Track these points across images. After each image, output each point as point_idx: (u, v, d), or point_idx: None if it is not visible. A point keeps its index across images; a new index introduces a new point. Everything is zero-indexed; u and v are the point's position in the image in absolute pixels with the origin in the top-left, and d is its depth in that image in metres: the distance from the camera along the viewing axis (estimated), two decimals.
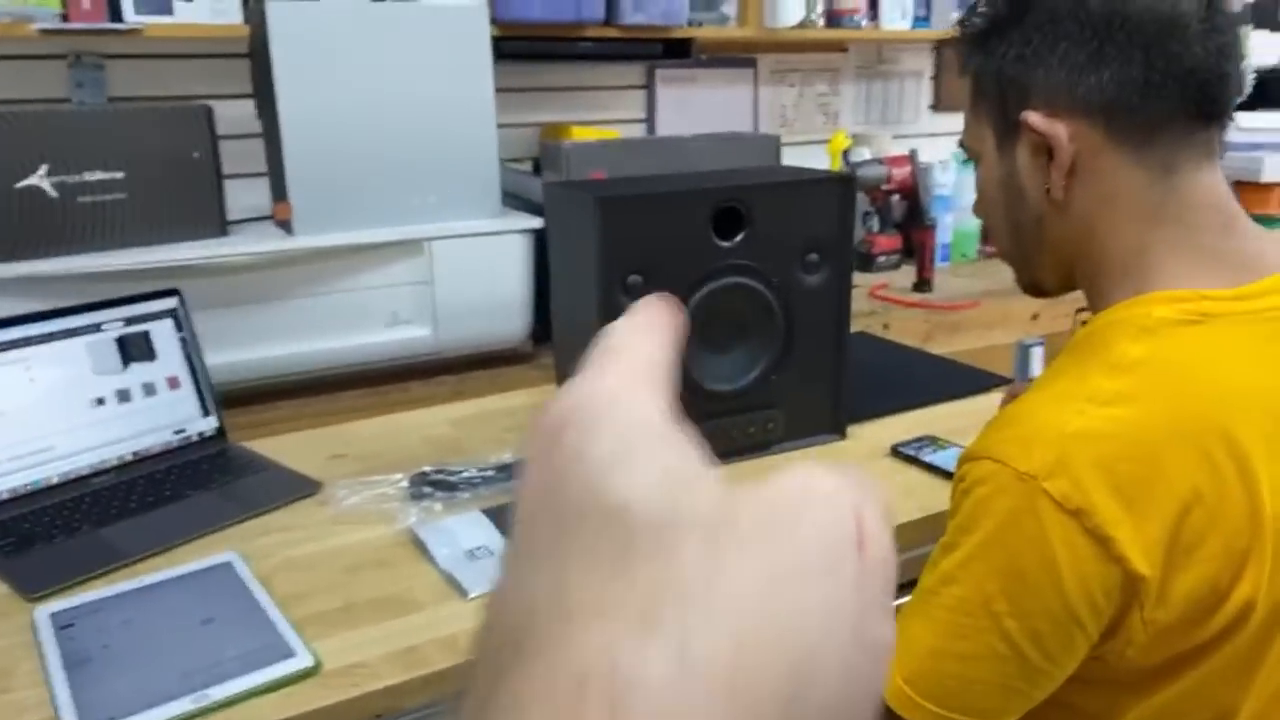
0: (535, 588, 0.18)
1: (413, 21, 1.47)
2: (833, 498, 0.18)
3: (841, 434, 1.24)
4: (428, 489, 1.07)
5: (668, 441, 0.19)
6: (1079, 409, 0.65)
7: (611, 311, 1.06)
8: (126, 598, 0.88)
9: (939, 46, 2.60)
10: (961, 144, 0.83)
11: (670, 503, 0.18)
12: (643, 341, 0.23)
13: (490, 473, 1.11)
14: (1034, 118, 0.70)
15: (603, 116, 2.21)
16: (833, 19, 2.20)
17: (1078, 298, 0.79)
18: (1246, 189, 2.44)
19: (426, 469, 1.11)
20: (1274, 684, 0.69)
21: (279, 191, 1.45)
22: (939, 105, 2.67)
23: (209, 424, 1.23)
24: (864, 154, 2.40)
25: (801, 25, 2.12)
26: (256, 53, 1.49)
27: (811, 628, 0.17)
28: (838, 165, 2.39)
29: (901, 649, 0.69)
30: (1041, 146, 0.71)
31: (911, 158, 2.18)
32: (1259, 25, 3.10)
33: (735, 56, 2.33)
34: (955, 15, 2.37)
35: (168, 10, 1.56)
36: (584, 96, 2.17)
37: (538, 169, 1.90)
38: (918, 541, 1.05)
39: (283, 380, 1.50)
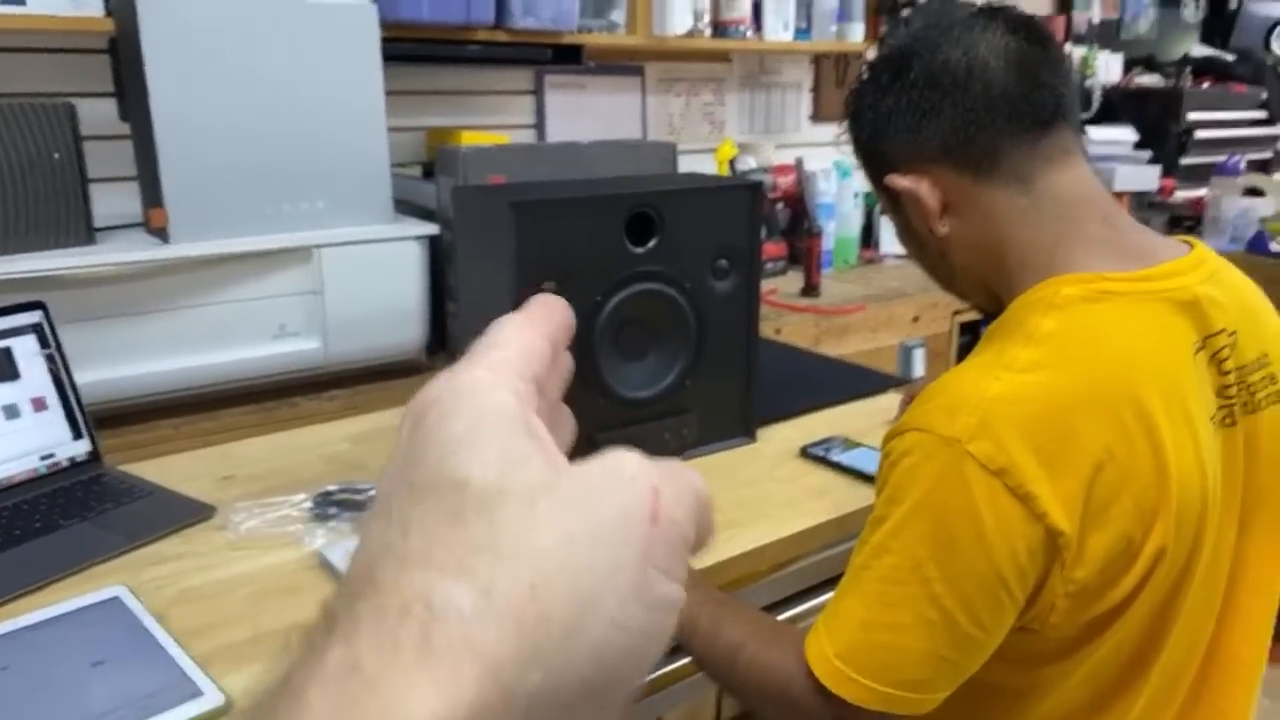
0: (386, 539, 0.21)
1: (296, 18, 1.40)
2: (636, 478, 0.22)
3: (751, 436, 1.25)
4: (333, 509, 1.01)
5: (512, 425, 0.23)
6: (996, 375, 0.69)
7: None
8: (1, 642, 0.80)
9: (818, 59, 2.68)
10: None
11: (500, 477, 0.21)
12: (517, 336, 0.26)
13: None
14: (896, 180, 0.81)
15: (491, 121, 2.17)
16: (719, 29, 2.23)
17: (953, 301, 0.84)
18: None
19: (330, 488, 1.05)
20: (1186, 640, 0.73)
21: (152, 197, 1.35)
22: (818, 115, 2.74)
23: (81, 447, 1.13)
24: (750, 163, 2.44)
25: (690, 34, 2.14)
26: (123, 48, 1.39)
27: (596, 579, 0.20)
28: (725, 173, 2.42)
29: (834, 626, 0.70)
30: (913, 198, 0.80)
31: (797, 167, 2.23)
32: (1103, 46, 3.33)
33: (624, 64, 2.33)
34: (834, 28, 2.45)
35: (18, 0, 1.44)
36: (471, 101, 2.13)
37: (427, 173, 1.85)
38: (834, 540, 1.07)
39: (160, 399, 1.40)
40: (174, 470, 1.14)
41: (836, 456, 1.17)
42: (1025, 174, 0.76)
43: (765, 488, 1.11)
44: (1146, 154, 3.03)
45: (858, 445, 1.20)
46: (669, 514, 0.22)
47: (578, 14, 1.94)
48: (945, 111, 0.76)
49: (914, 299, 2.28)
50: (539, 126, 2.26)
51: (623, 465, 0.22)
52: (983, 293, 0.84)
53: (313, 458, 1.20)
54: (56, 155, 1.29)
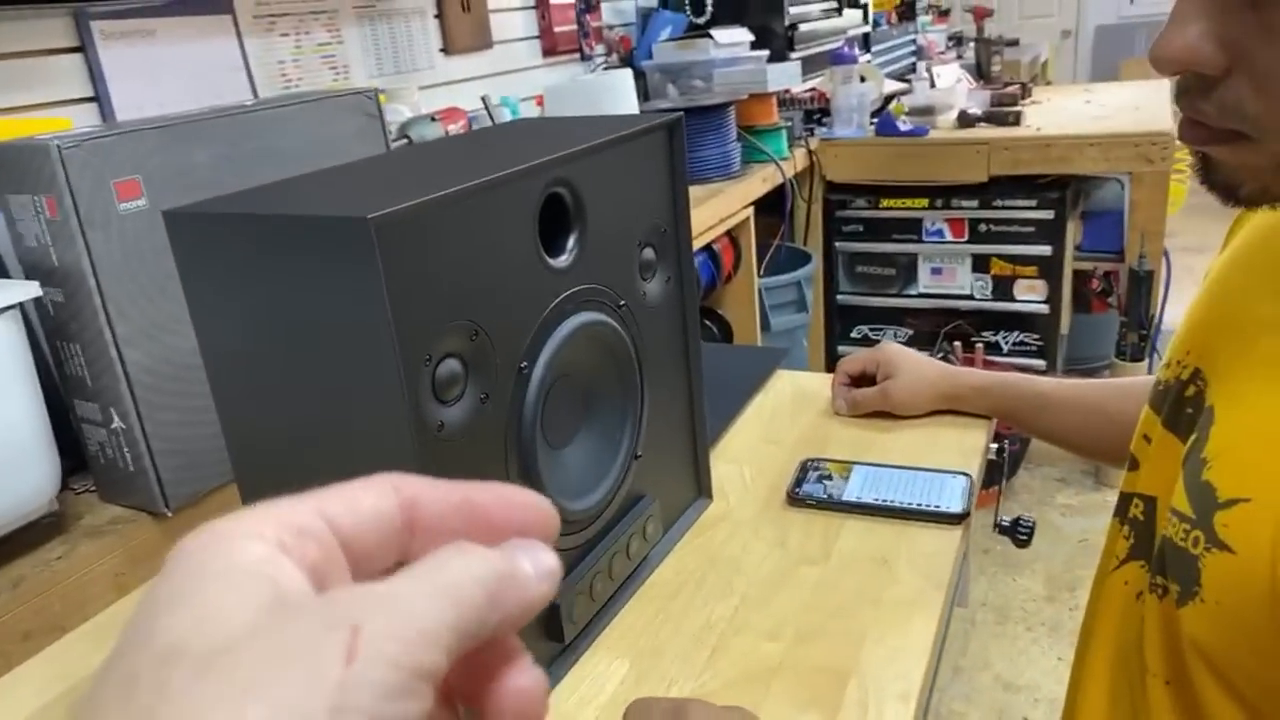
0: (88, 694, 0.19)
1: None
2: (337, 622, 0.18)
3: (709, 494, 0.84)
4: None
5: (238, 577, 0.19)
6: None
7: (427, 446, 0.52)
8: None
9: None
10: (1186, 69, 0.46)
11: (188, 635, 0.18)
12: (342, 491, 0.22)
13: None
14: None
15: (20, 100, 1.41)
16: None
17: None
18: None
19: None
20: None
21: None
22: (450, 48, 2.26)
23: None
24: (403, 112, 1.92)
25: None
26: None
27: None
28: None
29: None
30: None
31: (485, 103, 1.77)
32: None
33: (205, 1, 1.66)
34: None
35: None
36: None
37: None
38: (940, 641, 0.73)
39: None
40: None
41: (847, 495, 0.82)
42: None
43: (795, 585, 0.72)
44: (764, 53, 2.99)
45: (851, 465, 0.86)
46: (376, 648, 0.18)
47: None
48: None
49: None
50: (100, 99, 1.52)
51: (334, 605, 0.19)
52: None
53: None
54: None
